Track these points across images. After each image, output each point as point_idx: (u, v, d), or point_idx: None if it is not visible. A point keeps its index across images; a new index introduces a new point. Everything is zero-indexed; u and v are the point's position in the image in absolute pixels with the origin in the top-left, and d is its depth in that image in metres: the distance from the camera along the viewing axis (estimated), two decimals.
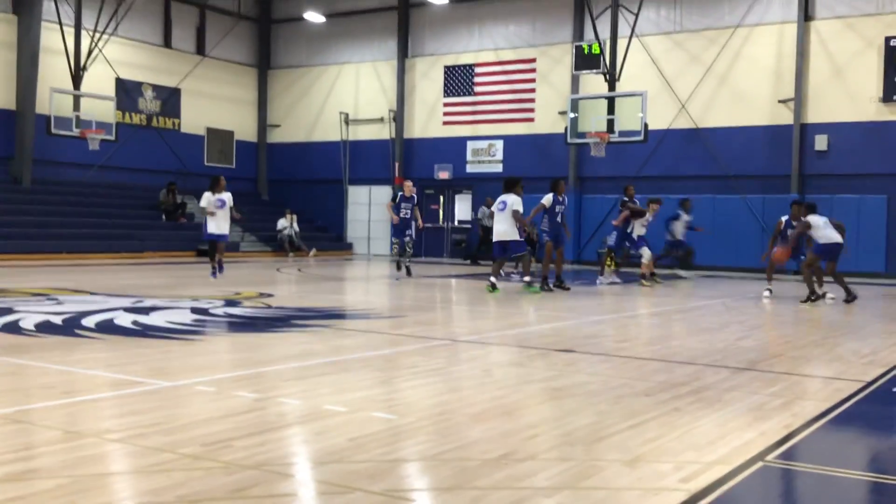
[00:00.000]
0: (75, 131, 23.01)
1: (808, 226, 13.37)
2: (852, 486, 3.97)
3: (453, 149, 27.57)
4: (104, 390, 5.67)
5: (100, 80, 25.28)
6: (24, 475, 3.71)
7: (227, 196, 15.47)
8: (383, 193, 28.31)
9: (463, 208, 27.95)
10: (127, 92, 26.69)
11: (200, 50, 29.28)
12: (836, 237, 13.40)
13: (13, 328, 8.39)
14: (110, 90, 25.87)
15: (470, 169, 27.35)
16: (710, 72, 23.60)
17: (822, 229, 13.37)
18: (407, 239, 17.64)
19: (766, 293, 14.51)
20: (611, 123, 19.81)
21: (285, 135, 31.14)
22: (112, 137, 23.72)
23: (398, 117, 28.49)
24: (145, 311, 10.11)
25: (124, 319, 9.23)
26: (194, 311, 10.36)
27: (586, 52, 22.10)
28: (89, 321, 9.02)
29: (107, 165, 26.16)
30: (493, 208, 15.06)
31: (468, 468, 3.96)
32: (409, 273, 17.80)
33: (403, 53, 28.48)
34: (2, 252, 20.25)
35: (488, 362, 7.38)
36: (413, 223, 17.63)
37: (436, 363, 7.06)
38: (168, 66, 28.18)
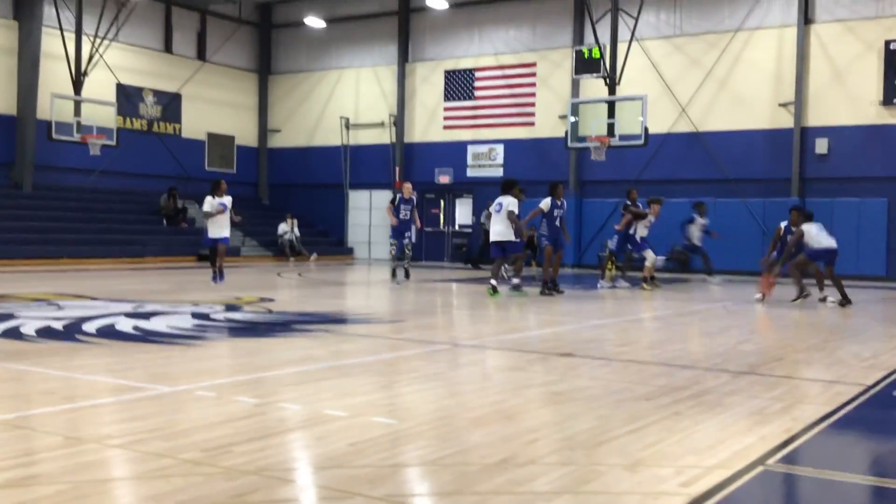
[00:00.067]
0: (76, 137, 23.03)
1: (802, 234, 13.60)
2: (853, 491, 3.96)
3: (454, 153, 27.57)
4: (105, 396, 5.66)
5: (100, 86, 25.31)
6: (25, 481, 3.71)
7: (227, 200, 15.59)
8: (384, 198, 28.25)
9: (464, 212, 27.94)
10: (128, 97, 26.72)
11: (201, 55, 29.31)
12: (830, 243, 13.62)
13: (14, 334, 8.40)
14: (111, 95, 25.89)
15: (470, 173, 27.35)
16: (710, 75, 23.62)
17: (816, 236, 13.58)
18: (406, 241, 17.62)
19: (758, 296, 14.53)
20: (611, 127, 19.80)
21: (286, 139, 31.15)
22: (113, 143, 23.75)
23: (398, 122, 28.51)
24: (146, 316, 10.12)
25: (125, 325, 9.23)
26: (195, 315, 10.37)
27: (586, 56, 22.10)
28: (90, 326, 9.02)
29: (108, 171, 26.17)
30: (490, 209, 15.18)
31: (469, 473, 3.96)
32: (406, 276, 17.79)
33: (404, 58, 28.50)
34: (3, 257, 20.24)
35: (489, 367, 7.38)
36: (412, 225, 17.63)
37: (436, 368, 7.06)
38: (169, 72, 28.22)
